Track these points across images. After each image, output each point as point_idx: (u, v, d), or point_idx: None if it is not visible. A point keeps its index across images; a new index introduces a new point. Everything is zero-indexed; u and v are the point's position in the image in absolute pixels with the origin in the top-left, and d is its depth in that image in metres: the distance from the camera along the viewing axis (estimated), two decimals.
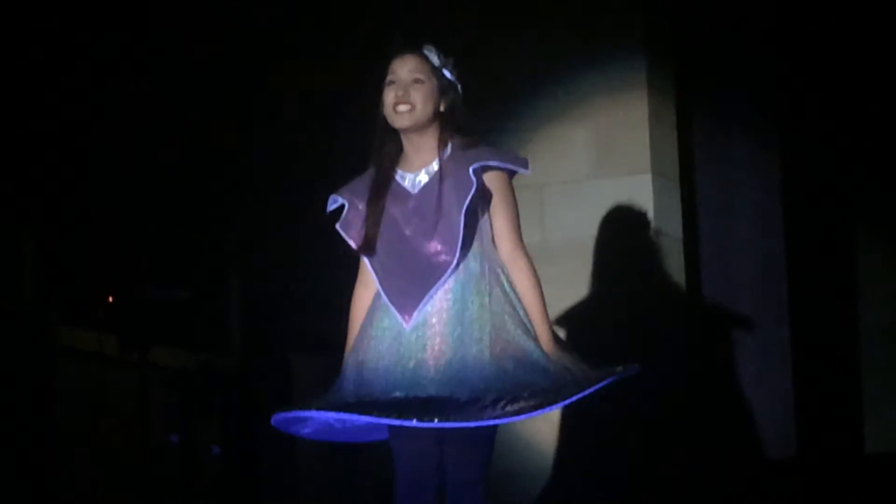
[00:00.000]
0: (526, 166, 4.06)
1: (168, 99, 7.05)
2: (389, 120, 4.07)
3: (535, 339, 3.97)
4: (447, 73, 4.11)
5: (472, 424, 3.78)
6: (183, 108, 7.05)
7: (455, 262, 3.94)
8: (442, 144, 4.08)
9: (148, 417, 6.00)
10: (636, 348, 6.12)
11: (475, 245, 4.00)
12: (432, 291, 3.94)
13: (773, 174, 6.84)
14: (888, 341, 6.88)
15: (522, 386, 3.83)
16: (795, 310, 6.77)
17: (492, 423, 3.79)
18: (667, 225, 6.43)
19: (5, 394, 5.68)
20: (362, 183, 4.13)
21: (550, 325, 4.04)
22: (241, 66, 7.02)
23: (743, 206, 6.86)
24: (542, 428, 6.20)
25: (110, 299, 6.05)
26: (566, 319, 5.94)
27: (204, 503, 6.51)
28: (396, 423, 3.80)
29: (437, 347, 3.91)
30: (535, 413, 3.79)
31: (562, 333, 5.84)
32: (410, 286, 3.97)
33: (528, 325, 3.98)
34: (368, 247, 4.04)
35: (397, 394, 3.87)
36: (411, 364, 3.91)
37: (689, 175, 6.71)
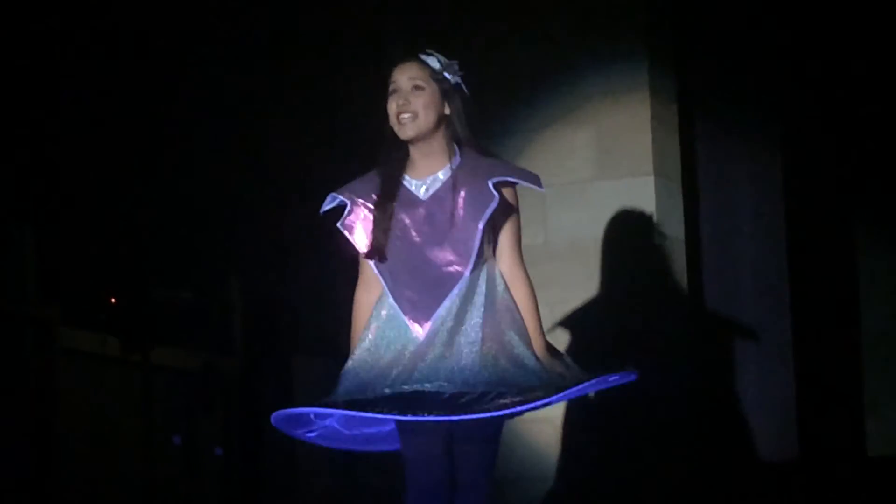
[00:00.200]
0: (539, 183, 4.09)
1: (171, 100, 7.05)
2: (395, 130, 4.08)
3: (530, 346, 3.99)
4: (448, 77, 4.11)
5: (456, 418, 3.79)
6: (186, 109, 7.05)
7: (468, 272, 3.96)
8: (451, 151, 4.09)
9: (150, 418, 6.00)
10: (638, 350, 6.13)
11: (482, 255, 4.02)
12: (446, 302, 3.96)
13: (775, 176, 6.84)
14: (890, 343, 6.88)
15: (510, 383, 3.85)
16: (797, 311, 6.77)
17: (476, 416, 3.78)
18: (669, 227, 6.43)
19: (7, 394, 5.68)
20: (365, 185, 4.13)
21: (544, 335, 4.07)
22: (244, 67, 7.03)
23: (745, 208, 6.86)
24: (543, 430, 6.20)
25: (113, 300, 6.05)
26: (568, 321, 5.94)
27: None
28: (384, 417, 3.82)
29: (434, 349, 3.92)
30: (520, 408, 3.80)
31: (564, 334, 5.86)
32: (422, 296, 3.98)
33: (523, 331, 4.00)
34: (378, 253, 4.04)
35: (386, 391, 3.88)
36: (409, 362, 3.92)
37: (691, 177, 6.71)
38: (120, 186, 6.90)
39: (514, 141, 6.43)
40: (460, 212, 3.99)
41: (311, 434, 4.11)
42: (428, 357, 3.90)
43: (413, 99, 4.05)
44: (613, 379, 3.97)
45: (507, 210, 4.06)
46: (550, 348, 4.07)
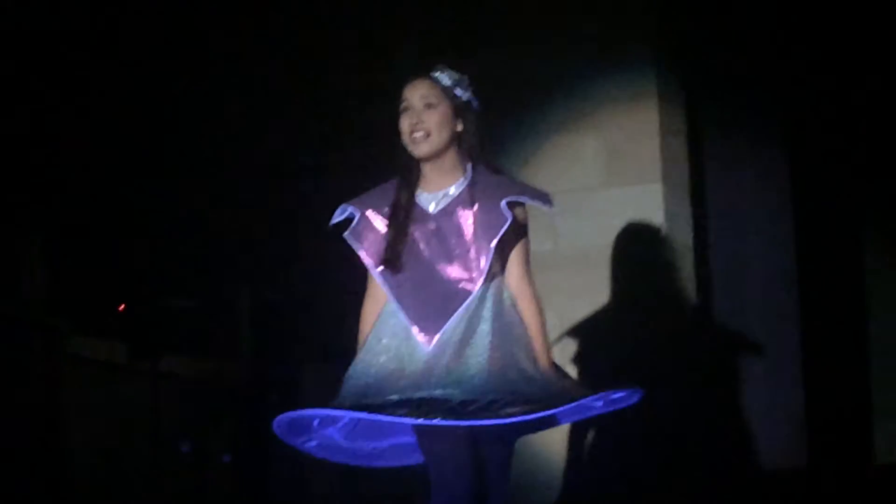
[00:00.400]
0: (550, 202, 4.11)
1: (180, 108, 7.06)
2: (409, 149, 4.08)
3: (536, 362, 4.01)
4: (459, 93, 4.11)
5: (465, 423, 3.79)
6: (195, 117, 7.06)
7: (478, 290, 3.97)
8: (462, 167, 4.10)
9: (158, 426, 6.01)
10: (646, 358, 6.12)
11: (492, 272, 4.02)
12: (455, 318, 3.96)
13: (784, 183, 6.85)
14: None
15: (517, 393, 3.86)
16: (806, 319, 6.77)
17: (484, 423, 3.80)
18: (677, 234, 6.43)
19: (16, 402, 5.69)
20: (376, 198, 4.14)
21: (550, 352, 4.09)
22: (255, 77, 7.04)
23: (753, 215, 6.86)
24: (551, 437, 6.19)
25: (121, 308, 6.06)
26: (577, 329, 5.94)
27: None
28: (391, 420, 3.82)
29: (437, 354, 3.93)
30: (528, 416, 3.81)
31: (572, 342, 5.85)
32: (430, 308, 3.99)
33: (529, 345, 4.02)
34: (388, 266, 4.04)
35: (395, 397, 3.88)
36: (413, 370, 3.93)
37: (700, 184, 6.71)
38: (128, 194, 6.91)
39: (523, 148, 6.44)
40: (471, 229, 4.01)
41: (310, 444, 4.12)
42: (436, 370, 3.90)
43: (426, 117, 4.06)
44: (618, 396, 3.98)
45: (518, 229, 4.07)
46: (555, 366, 4.09)
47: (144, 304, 6.13)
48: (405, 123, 4.07)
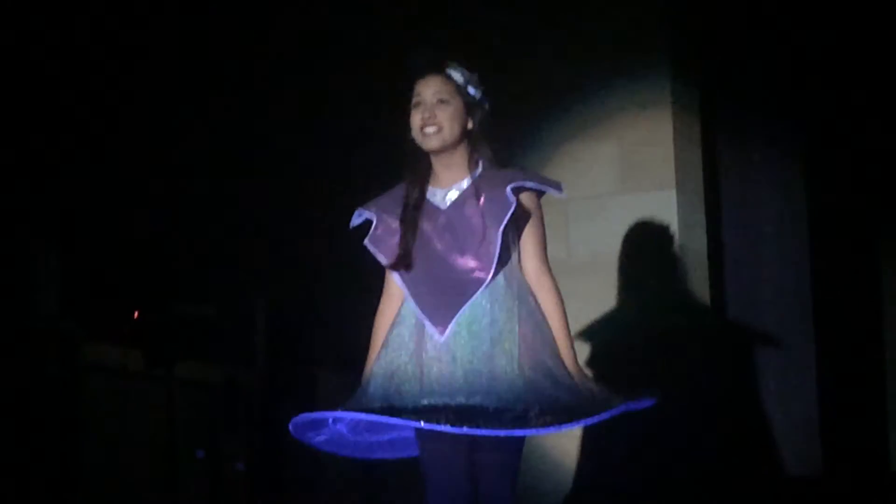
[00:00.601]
0: (560, 188, 4.09)
1: (196, 116, 7.07)
2: (418, 142, 4.09)
3: (560, 358, 3.99)
4: (472, 91, 4.12)
5: (504, 433, 3.78)
6: (210, 125, 7.07)
7: (490, 278, 3.96)
8: (473, 162, 4.10)
9: (173, 432, 6.02)
10: (660, 364, 6.12)
11: (507, 265, 4.02)
12: (466, 305, 3.96)
13: (798, 189, 6.83)
14: None
15: (551, 399, 3.85)
16: (820, 326, 6.75)
17: (522, 432, 3.80)
18: (691, 240, 6.42)
19: (32, 409, 5.70)
20: (390, 199, 4.14)
21: (573, 345, 4.07)
22: (270, 84, 7.05)
23: (767, 222, 6.85)
24: (561, 441, 6.19)
25: (136, 315, 6.07)
26: (590, 334, 5.94)
27: None
28: (428, 427, 3.80)
29: (465, 358, 3.92)
30: (565, 427, 3.82)
31: (586, 348, 5.85)
32: (443, 299, 3.98)
33: (554, 344, 4.00)
34: (403, 264, 4.05)
35: (425, 401, 3.88)
36: (439, 373, 3.92)
37: (714, 190, 6.70)
38: (143, 202, 6.92)
39: (537, 154, 6.44)
40: (481, 219, 4.00)
41: (320, 438, 4.12)
42: (462, 369, 3.90)
43: (438, 112, 4.06)
44: (636, 404, 3.97)
45: (528, 217, 4.05)
46: (578, 364, 4.06)
47: (159, 312, 6.13)
48: (416, 118, 4.08)
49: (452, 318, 3.95)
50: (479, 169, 4.10)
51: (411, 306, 4.02)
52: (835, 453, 6.67)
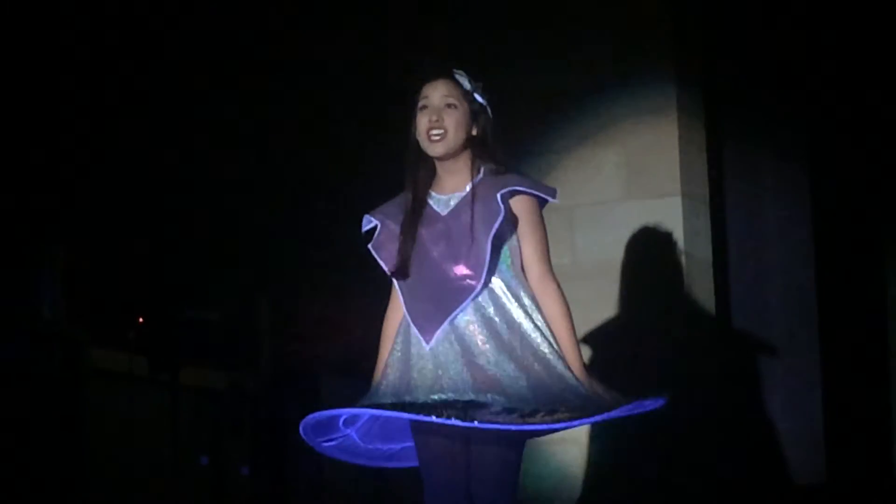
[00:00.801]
0: (554, 195, 4.08)
1: (202, 121, 7.07)
2: (423, 147, 4.09)
3: (565, 361, 3.98)
4: (478, 98, 4.12)
5: (514, 428, 3.78)
6: (216, 130, 7.08)
7: (480, 286, 3.96)
8: (474, 170, 4.10)
9: (178, 438, 6.01)
10: (665, 371, 6.12)
11: (506, 269, 4.01)
12: (454, 315, 3.96)
13: (804, 196, 6.83)
14: None
15: (558, 400, 3.84)
16: (825, 333, 6.75)
17: (529, 428, 3.79)
18: (696, 247, 6.42)
19: (36, 414, 5.70)
20: (395, 206, 4.15)
21: (580, 351, 4.05)
22: (277, 91, 7.06)
23: (773, 229, 6.85)
24: (568, 451, 6.19)
25: (141, 320, 6.06)
26: (595, 341, 5.93)
27: None
28: (438, 421, 3.79)
29: (474, 361, 3.92)
30: (572, 423, 3.81)
31: (591, 354, 5.85)
32: (433, 308, 3.99)
33: (559, 351, 3.99)
34: (402, 271, 4.05)
35: (435, 397, 3.88)
36: (448, 374, 3.92)
37: (719, 197, 6.70)
38: (149, 206, 6.92)
39: (542, 161, 6.44)
40: (474, 226, 3.99)
41: (330, 444, 4.12)
42: (470, 371, 3.90)
43: (445, 116, 4.06)
44: (647, 403, 3.96)
45: (525, 222, 4.04)
46: (584, 367, 4.05)
47: (165, 317, 6.13)
48: (423, 121, 4.07)
49: (437, 328, 3.96)
50: (480, 175, 4.10)
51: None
52: (839, 462, 6.66)
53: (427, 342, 3.96)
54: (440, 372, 3.93)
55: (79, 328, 5.97)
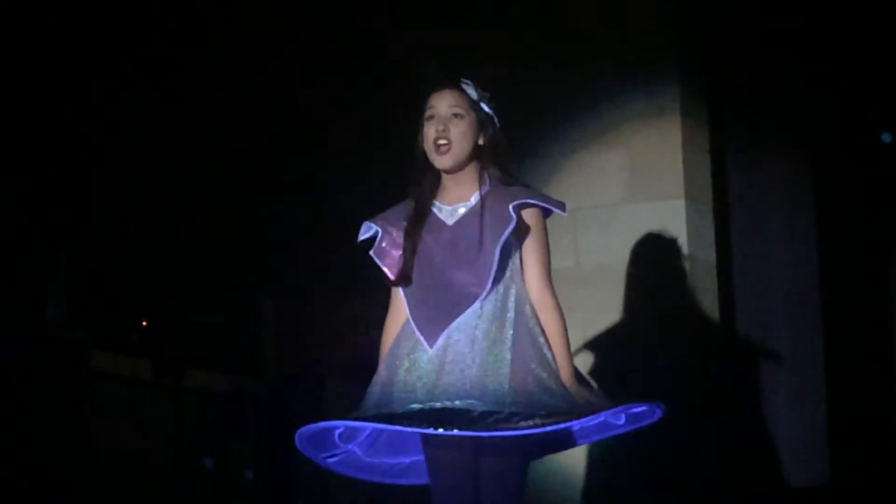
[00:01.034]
0: (563, 209, 4.09)
1: (206, 125, 7.08)
2: (430, 158, 4.09)
3: (557, 376, 3.98)
4: (485, 107, 4.12)
5: (486, 434, 3.78)
6: (220, 134, 7.08)
7: (485, 294, 3.96)
8: (481, 180, 4.10)
9: (181, 441, 6.01)
10: (668, 374, 6.11)
11: (506, 279, 4.02)
12: (458, 320, 3.96)
13: (807, 198, 6.83)
14: None
15: (540, 406, 3.84)
16: (829, 335, 6.75)
17: (504, 434, 3.78)
18: (700, 250, 6.42)
19: (39, 418, 5.70)
20: (397, 213, 4.15)
21: (573, 362, 4.06)
22: (279, 96, 7.06)
23: (777, 232, 6.85)
24: (569, 462, 6.18)
25: (144, 324, 6.07)
26: (598, 344, 5.93)
27: None
28: (413, 430, 3.82)
29: (460, 371, 3.92)
30: (548, 428, 3.79)
31: (593, 358, 5.85)
32: (437, 314, 3.99)
33: (553, 363, 3.99)
34: (405, 279, 4.05)
35: (415, 406, 3.87)
36: (432, 382, 3.92)
37: (723, 200, 6.70)
38: (152, 209, 6.92)
39: (545, 164, 6.44)
40: (483, 236, 4.00)
41: (333, 459, 4.11)
42: (457, 379, 3.90)
43: (452, 126, 4.06)
44: (640, 410, 3.96)
45: (529, 234, 4.05)
46: (578, 376, 4.06)
47: (168, 320, 6.13)
48: (431, 130, 4.07)
49: (440, 332, 3.96)
50: (487, 186, 4.10)
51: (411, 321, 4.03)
52: (843, 464, 6.66)
53: (430, 346, 3.96)
54: (438, 379, 3.92)
55: (82, 331, 5.97)
